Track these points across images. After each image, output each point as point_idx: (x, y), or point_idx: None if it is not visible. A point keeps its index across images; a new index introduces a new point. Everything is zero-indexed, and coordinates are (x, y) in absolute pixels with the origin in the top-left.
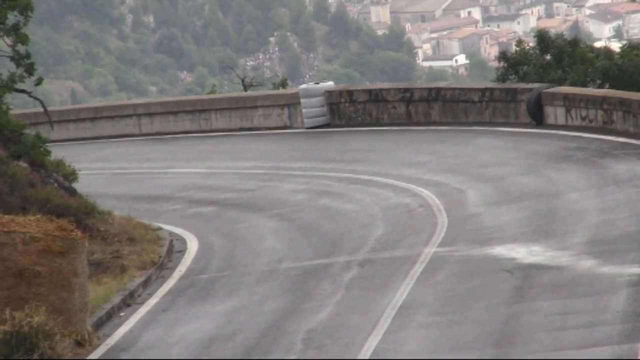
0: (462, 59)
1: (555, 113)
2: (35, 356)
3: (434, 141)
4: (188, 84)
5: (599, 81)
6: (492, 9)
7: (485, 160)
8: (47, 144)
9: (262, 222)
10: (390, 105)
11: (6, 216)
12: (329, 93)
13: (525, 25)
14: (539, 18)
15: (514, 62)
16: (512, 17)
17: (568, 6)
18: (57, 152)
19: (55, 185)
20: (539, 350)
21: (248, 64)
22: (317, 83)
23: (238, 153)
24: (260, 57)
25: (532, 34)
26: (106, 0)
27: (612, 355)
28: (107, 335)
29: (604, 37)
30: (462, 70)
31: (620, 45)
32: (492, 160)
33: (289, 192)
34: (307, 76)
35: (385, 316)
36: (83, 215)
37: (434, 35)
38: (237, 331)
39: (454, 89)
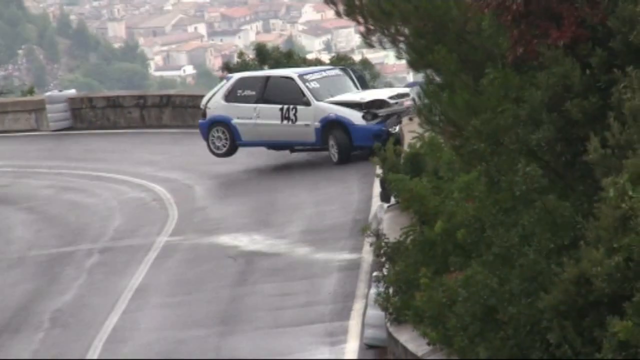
0: (189, 69)
1: None
2: None
3: (166, 142)
4: None
5: None
6: (216, 24)
7: (212, 159)
8: None
9: (12, 214)
10: (126, 110)
11: None
12: (71, 100)
13: (245, 40)
14: (258, 33)
15: (236, 72)
16: (234, 32)
17: (283, 22)
18: None
19: None
20: (260, 327)
21: None
22: (61, 91)
23: None
24: (10, 67)
25: (252, 47)
26: None
27: (325, 331)
28: None
29: (315, 49)
30: (189, 79)
31: (329, 57)
32: (218, 159)
33: (37, 188)
34: (52, 84)
35: (123, 298)
36: None
37: (165, 48)
38: None
39: (182, 95)
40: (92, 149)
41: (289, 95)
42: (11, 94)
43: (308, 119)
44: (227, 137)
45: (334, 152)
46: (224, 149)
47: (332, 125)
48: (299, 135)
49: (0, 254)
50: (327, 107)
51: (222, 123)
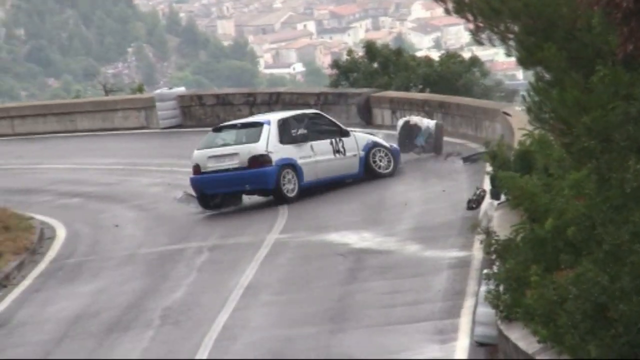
0: (299, 67)
1: (382, 114)
2: None
3: None
4: (55, 89)
5: (420, 86)
6: (325, 22)
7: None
8: None
9: (122, 212)
10: (236, 108)
11: None
12: (180, 97)
13: (355, 37)
14: (367, 30)
15: (345, 70)
16: (343, 30)
17: (392, 20)
18: None
19: None
20: (370, 325)
21: (109, 71)
22: (170, 88)
23: (100, 151)
24: (120, 65)
25: (361, 44)
26: None
27: (435, 329)
28: None
29: (425, 47)
30: (299, 77)
31: (439, 54)
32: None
33: (146, 185)
34: (161, 82)
35: (234, 295)
36: None
37: (274, 45)
38: (101, 309)
39: (292, 93)
40: None
41: (327, 129)
42: (121, 91)
43: (354, 149)
44: (295, 180)
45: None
46: (294, 193)
47: (372, 152)
48: (348, 167)
49: (110, 251)
50: (360, 136)
51: (290, 165)
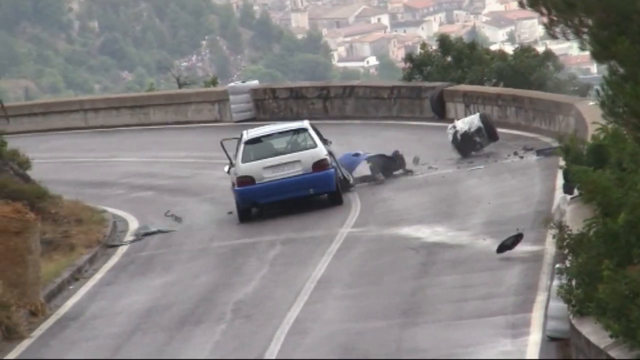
0: (372, 61)
1: (455, 108)
2: None
3: (348, 133)
4: (129, 82)
5: (494, 80)
6: (399, 15)
7: (393, 150)
8: (3, 136)
9: (195, 206)
10: (309, 101)
11: None
12: (254, 91)
13: (428, 31)
14: (441, 24)
15: (418, 63)
16: (417, 23)
17: (466, 13)
18: (12, 143)
19: (11, 172)
20: (441, 320)
21: (182, 64)
22: (244, 82)
23: (173, 144)
24: (193, 58)
25: (435, 38)
26: (56, 7)
27: (507, 323)
28: (58, 306)
29: (499, 40)
30: (372, 71)
31: (512, 48)
32: (400, 150)
33: (219, 179)
34: (235, 75)
35: (305, 289)
36: (36, 199)
37: (348, 39)
38: (173, 302)
39: (365, 86)
40: None
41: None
42: (194, 85)
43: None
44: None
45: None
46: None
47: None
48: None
49: (182, 245)
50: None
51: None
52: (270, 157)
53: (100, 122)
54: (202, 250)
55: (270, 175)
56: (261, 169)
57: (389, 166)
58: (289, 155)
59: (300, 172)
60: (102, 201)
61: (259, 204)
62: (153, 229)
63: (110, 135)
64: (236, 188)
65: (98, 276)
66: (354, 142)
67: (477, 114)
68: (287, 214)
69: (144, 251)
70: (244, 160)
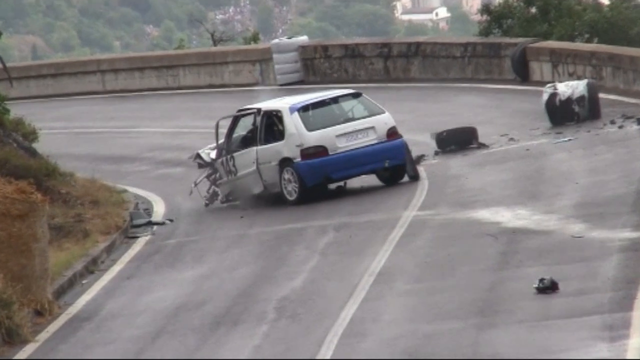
0: (443, 12)
1: (541, 69)
2: None
3: (413, 99)
4: (154, 38)
5: (587, 35)
6: None
7: (467, 118)
8: (5, 102)
9: None
10: (368, 61)
11: None
12: (302, 48)
13: None
14: None
15: (497, 16)
16: None
17: None
18: (16, 111)
19: (15, 145)
20: (525, 320)
21: (217, 17)
22: (290, 38)
23: (207, 111)
24: (231, 10)
25: None
26: None
27: (602, 324)
28: (69, 304)
29: None
30: (442, 24)
31: None
32: (475, 119)
33: None
34: (280, 30)
35: (363, 283)
36: (44, 176)
37: None
38: (205, 299)
39: (434, 43)
40: None
41: None
42: (232, 41)
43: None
44: None
45: None
46: None
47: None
48: None
49: (217, 231)
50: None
51: None
52: (341, 123)
53: (120, 85)
54: (240, 238)
55: (344, 145)
56: (334, 137)
57: (461, 138)
58: (361, 120)
59: (375, 141)
60: (122, 179)
61: (333, 180)
62: (142, 220)
63: (132, 101)
64: (305, 161)
65: (117, 268)
66: (420, 110)
67: (585, 80)
68: (339, 194)
69: (171, 238)
70: (309, 129)
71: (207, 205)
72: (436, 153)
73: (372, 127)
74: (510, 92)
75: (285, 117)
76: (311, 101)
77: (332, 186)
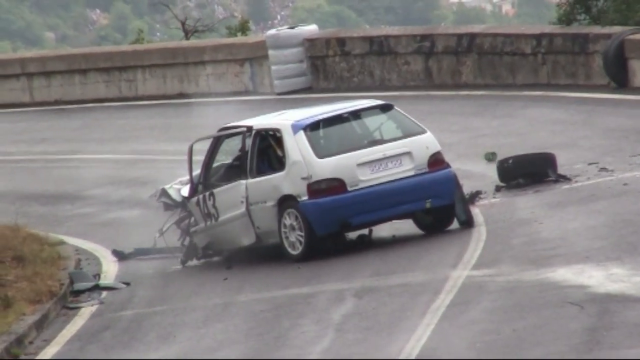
0: None
1: None
2: None
3: (465, 112)
4: (102, 28)
5: None
6: None
7: (542, 140)
8: None
9: None
10: (402, 59)
11: None
12: (310, 42)
13: None
14: None
15: None
16: None
17: None
18: None
19: None
20: None
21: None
22: (293, 27)
23: (177, 130)
24: None
25: None
26: None
27: None
28: None
29: None
30: (506, 8)
31: None
32: (552, 140)
33: None
34: (279, 17)
35: None
36: None
37: None
38: None
39: (494, 35)
40: None
41: None
42: (211, 33)
43: None
44: None
45: None
46: None
47: None
48: None
49: (191, 298)
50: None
51: None
52: (365, 147)
53: (54, 94)
54: (224, 308)
55: (369, 177)
56: (354, 166)
57: (532, 168)
58: (393, 143)
59: (412, 172)
60: (58, 226)
61: (353, 226)
62: (86, 284)
63: (71, 116)
64: (314, 201)
65: (51, 351)
66: (475, 128)
67: None
68: (362, 247)
69: (127, 309)
70: (320, 155)
71: (183, 263)
72: (498, 189)
73: (408, 153)
74: (602, 103)
75: (286, 138)
76: (322, 116)
77: (352, 235)
